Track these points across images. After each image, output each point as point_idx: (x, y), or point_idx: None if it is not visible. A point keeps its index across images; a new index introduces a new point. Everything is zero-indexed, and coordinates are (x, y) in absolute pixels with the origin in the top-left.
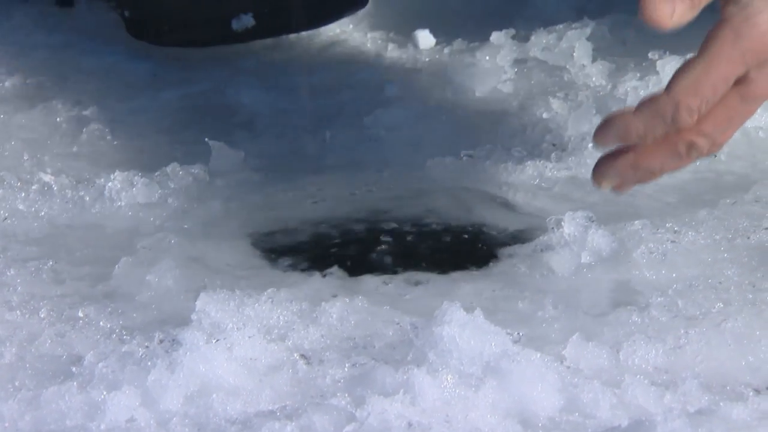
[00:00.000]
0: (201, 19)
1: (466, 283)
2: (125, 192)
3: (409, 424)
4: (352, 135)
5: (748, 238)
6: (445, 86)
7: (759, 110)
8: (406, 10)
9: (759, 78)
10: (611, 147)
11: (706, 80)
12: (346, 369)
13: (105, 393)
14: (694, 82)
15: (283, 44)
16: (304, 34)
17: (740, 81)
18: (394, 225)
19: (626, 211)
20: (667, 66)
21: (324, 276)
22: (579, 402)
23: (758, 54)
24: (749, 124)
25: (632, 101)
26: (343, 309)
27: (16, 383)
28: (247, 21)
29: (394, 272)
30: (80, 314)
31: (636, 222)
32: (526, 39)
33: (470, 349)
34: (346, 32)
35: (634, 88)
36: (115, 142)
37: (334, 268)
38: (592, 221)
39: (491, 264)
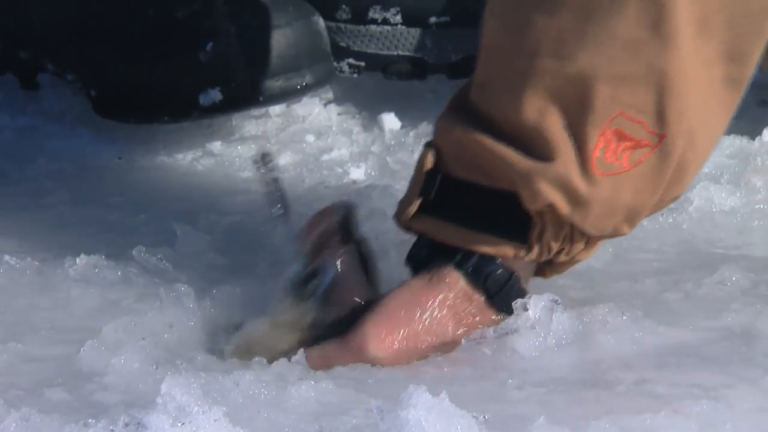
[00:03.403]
0: (168, 95)
1: (431, 366)
2: (90, 273)
3: None
4: None
5: (716, 320)
6: (410, 169)
7: (722, 191)
8: (372, 92)
9: None
10: None
11: None
12: None
13: None
14: None
15: (248, 123)
16: (271, 113)
17: None
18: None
19: (592, 295)
20: None
21: (290, 360)
22: None
23: None
24: (712, 206)
25: None
26: (308, 392)
27: None
28: (214, 95)
29: None
30: (45, 397)
31: (601, 305)
32: None
33: None
34: (312, 114)
35: None
36: (80, 225)
37: (300, 352)
38: (558, 304)
39: (456, 347)
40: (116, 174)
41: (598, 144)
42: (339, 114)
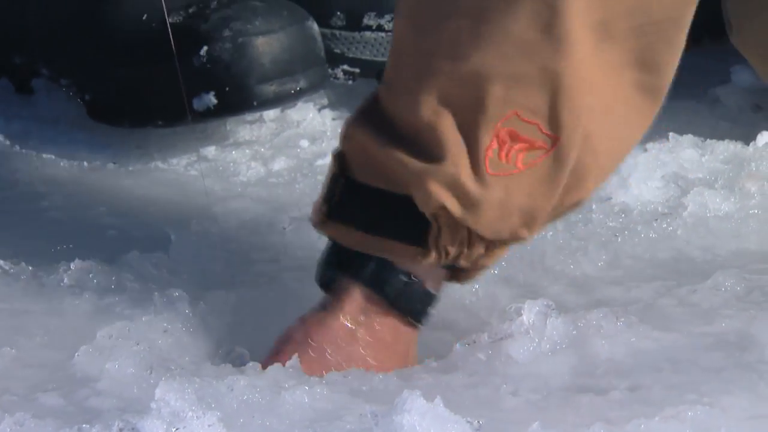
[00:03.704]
0: (162, 100)
1: (425, 371)
2: (84, 279)
3: None
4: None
5: (710, 326)
6: None
7: (716, 197)
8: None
9: None
10: None
11: None
12: None
13: None
14: None
15: (242, 128)
16: (265, 118)
17: None
18: None
19: (587, 300)
20: None
21: (285, 365)
22: None
23: None
24: (707, 211)
25: None
26: (303, 397)
27: None
28: (208, 100)
29: None
30: (40, 402)
31: (595, 311)
32: None
33: None
34: (307, 119)
35: None
36: (74, 230)
37: (295, 357)
38: (552, 309)
39: (451, 353)
40: (110, 179)
41: (491, 144)
42: (333, 119)
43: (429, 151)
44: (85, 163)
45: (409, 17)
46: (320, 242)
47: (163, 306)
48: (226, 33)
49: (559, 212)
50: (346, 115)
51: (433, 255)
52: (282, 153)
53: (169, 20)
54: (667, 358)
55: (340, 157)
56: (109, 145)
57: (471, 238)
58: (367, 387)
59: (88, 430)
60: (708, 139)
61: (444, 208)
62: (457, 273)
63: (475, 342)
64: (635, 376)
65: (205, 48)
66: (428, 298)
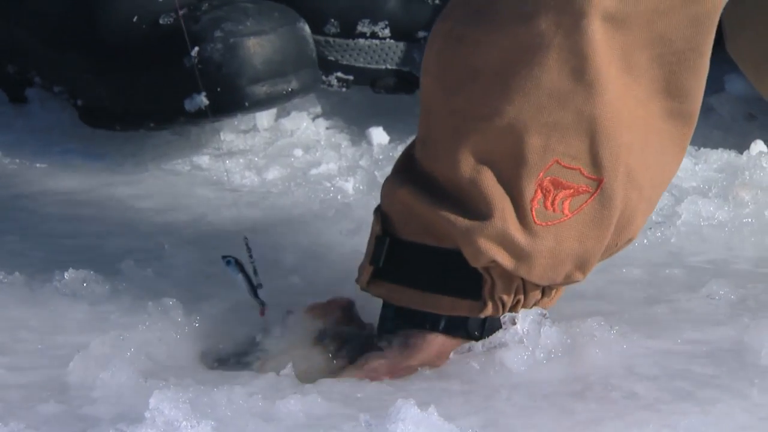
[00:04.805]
0: (153, 102)
1: (419, 380)
2: (78, 287)
3: None
4: (304, 238)
5: (704, 334)
6: None
7: (710, 205)
8: (361, 106)
9: None
10: None
11: None
12: None
13: None
14: None
15: (236, 137)
16: (259, 127)
17: None
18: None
19: (580, 309)
20: None
21: (279, 374)
22: None
23: None
24: (701, 220)
25: None
26: (297, 406)
27: None
28: (199, 101)
29: None
30: (34, 411)
31: (589, 319)
32: None
33: None
34: (300, 128)
35: None
36: (68, 239)
37: (289, 367)
38: (546, 318)
39: (444, 362)
40: (104, 188)
41: (536, 195)
42: (327, 128)
43: (474, 207)
44: (79, 173)
45: (436, 76)
46: (318, 252)
47: (157, 314)
48: (218, 34)
49: (612, 251)
50: (340, 124)
51: (490, 306)
52: (276, 162)
53: (161, 21)
54: (660, 366)
55: (383, 217)
56: (103, 154)
57: (526, 286)
58: (362, 395)
59: None
60: (701, 148)
61: (495, 262)
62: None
63: (469, 350)
64: (629, 385)
65: (197, 49)
66: (498, 324)
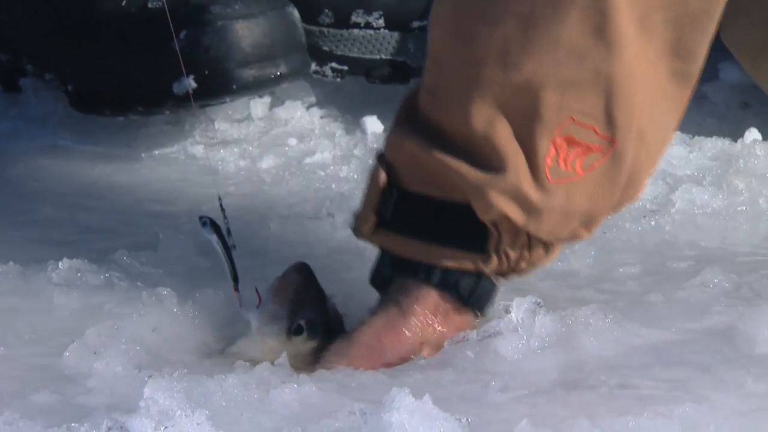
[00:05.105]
0: (141, 85)
1: (414, 369)
2: (73, 277)
3: None
4: (298, 224)
5: (699, 322)
6: None
7: (705, 194)
8: (355, 96)
9: None
10: None
11: None
12: None
13: None
14: None
15: (231, 127)
16: (253, 117)
17: None
18: (344, 311)
19: (575, 297)
20: None
21: (273, 363)
22: None
23: None
24: (695, 208)
25: None
26: (292, 395)
27: None
28: (187, 84)
29: None
30: (29, 401)
31: (584, 307)
32: None
33: None
34: (295, 118)
35: None
36: (63, 229)
37: (283, 356)
38: (541, 306)
39: (439, 350)
40: (98, 178)
41: (550, 152)
42: (321, 117)
43: (487, 161)
44: (73, 162)
45: (448, 27)
46: (309, 238)
47: (151, 304)
48: (206, 17)
49: (617, 209)
50: (335, 113)
51: (495, 260)
52: (270, 151)
53: (149, 5)
54: (655, 354)
55: (388, 168)
56: (97, 144)
57: (531, 241)
58: (356, 384)
59: (77, 428)
60: (696, 136)
61: (506, 216)
62: (512, 270)
63: (464, 339)
64: (624, 373)
65: (185, 32)
66: (494, 291)
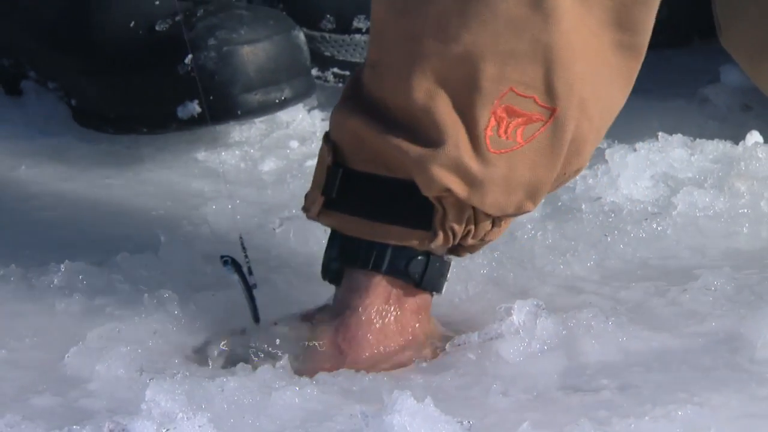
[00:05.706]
0: (146, 107)
1: (415, 372)
2: (74, 280)
3: None
4: (300, 226)
5: (700, 325)
6: None
7: (706, 196)
8: None
9: None
10: None
11: None
12: None
13: None
14: None
15: (232, 129)
16: (255, 119)
17: None
18: None
19: (576, 300)
20: (616, 155)
21: (275, 366)
22: None
23: None
24: (696, 211)
25: (581, 191)
26: (293, 398)
27: None
28: (192, 108)
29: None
30: (30, 403)
31: (585, 310)
32: None
33: None
34: (296, 120)
35: (583, 177)
36: (64, 231)
37: (285, 359)
38: (542, 309)
39: (441, 354)
40: (100, 180)
41: (490, 122)
42: (323, 120)
43: (427, 135)
44: (75, 165)
45: None
46: (311, 242)
47: (153, 307)
48: (211, 41)
49: (561, 182)
50: None
51: (441, 237)
52: (271, 154)
53: (156, 27)
54: (657, 357)
55: (333, 147)
56: (98, 147)
57: (477, 216)
58: (358, 387)
59: (79, 431)
60: (697, 139)
61: (449, 190)
62: (457, 249)
63: (465, 342)
64: (625, 376)
65: (190, 56)
66: (445, 268)
